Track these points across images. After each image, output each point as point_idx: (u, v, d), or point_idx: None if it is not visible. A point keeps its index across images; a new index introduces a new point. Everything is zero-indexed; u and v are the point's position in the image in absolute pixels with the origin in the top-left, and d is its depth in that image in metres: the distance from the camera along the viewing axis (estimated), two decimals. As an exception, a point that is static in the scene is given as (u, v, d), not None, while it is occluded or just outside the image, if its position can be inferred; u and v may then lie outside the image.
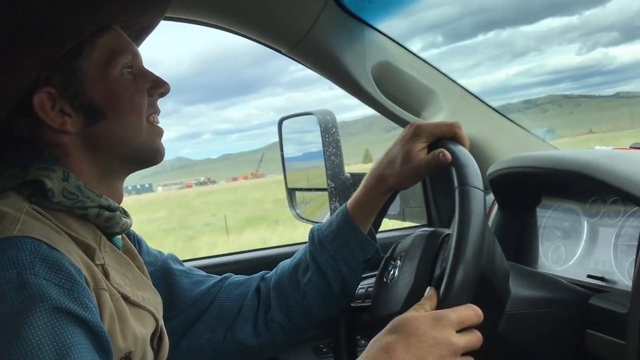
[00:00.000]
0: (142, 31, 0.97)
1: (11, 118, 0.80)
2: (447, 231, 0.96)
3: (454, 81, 1.52)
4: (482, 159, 1.36)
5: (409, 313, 0.79)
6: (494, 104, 1.54)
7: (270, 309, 1.10)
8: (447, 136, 0.99)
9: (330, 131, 1.60)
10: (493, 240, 0.92)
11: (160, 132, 0.92)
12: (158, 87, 0.90)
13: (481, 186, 0.86)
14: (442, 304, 0.79)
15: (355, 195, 1.08)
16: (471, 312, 0.79)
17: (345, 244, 1.07)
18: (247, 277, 1.18)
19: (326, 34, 1.39)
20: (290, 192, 1.86)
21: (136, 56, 0.89)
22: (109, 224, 0.85)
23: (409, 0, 1.46)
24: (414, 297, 0.91)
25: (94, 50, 0.83)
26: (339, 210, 1.10)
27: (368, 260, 1.09)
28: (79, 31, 0.80)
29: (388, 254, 1.11)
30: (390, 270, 1.07)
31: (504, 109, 1.59)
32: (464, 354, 0.78)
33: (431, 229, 1.03)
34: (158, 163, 0.92)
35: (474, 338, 0.79)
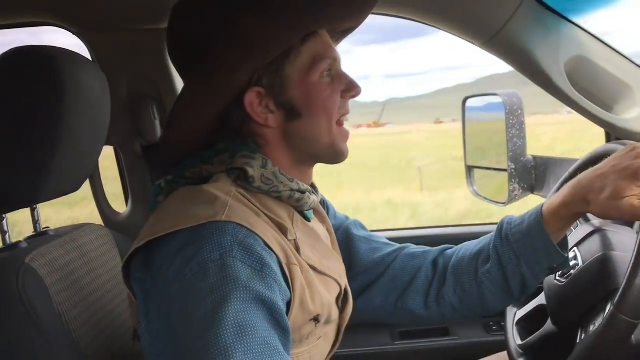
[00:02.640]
0: (344, 33, 1.07)
1: (226, 110, 0.94)
2: (623, 280, 0.91)
3: (653, 75, 1.48)
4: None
5: None
6: None
7: (444, 286, 1.15)
8: None
9: (515, 113, 1.64)
10: None
11: (346, 135, 1.00)
12: (351, 90, 0.99)
13: None
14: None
15: (552, 202, 1.04)
16: None
17: (532, 247, 1.04)
18: (425, 249, 1.23)
19: (521, 28, 1.41)
20: (469, 169, 1.92)
21: (335, 60, 0.98)
22: (299, 204, 0.98)
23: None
24: (566, 313, 1.04)
25: (299, 56, 0.94)
26: (533, 211, 1.07)
27: (554, 269, 1.08)
28: (290, 40, 0.91)
29: (574, 244, 1.15)
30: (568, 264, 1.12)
31: None
32: None
33: (617, 255, 1.04)
34: (339, 163, 1.01)
35: None
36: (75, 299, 1.08)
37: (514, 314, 1.29)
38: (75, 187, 1.18)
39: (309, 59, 0.94)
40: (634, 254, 0.87)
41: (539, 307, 1.22)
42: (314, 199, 1.02)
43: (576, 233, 1.20)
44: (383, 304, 1.19)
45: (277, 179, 0.95)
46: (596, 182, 0.96)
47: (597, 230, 1.15)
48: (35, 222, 1.22)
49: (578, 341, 0.99)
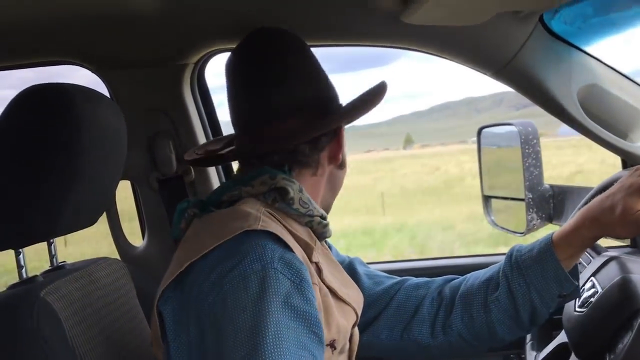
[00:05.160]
0: None
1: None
2: None
3: (667, 103, 1.47)
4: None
5: None
6: None
7: (451, 314, 1.15)
8: None
9: (530, 142, 1.63)
10: None
11: None
12: None
13: None
14: None
15: (564, 229, 1.06)
16: None
17: (543, 275, 1.05)
18: (428, 279, 1.24)
19: (532, 58, 1.42)
20: (486, 199, 1.91)
21: None
22: (324, 230, 1.02)
23: (625, 24, 1.43)
24: (589, 342, 1.02)
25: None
26: (544, 238, 1.08)
27: (565, 297, 1.07)
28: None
29: (590, 274, 1.14)
30: (585, 294, 1.11)
31: None
32: None
33: (637, 277, 1.03)
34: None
35: None
36: (90, 333, 1.08)
37: (534, 357, 1.27)
38: (92, 221, 1.19)
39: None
40: None
41: (560, 345, 1.21)
42: (331, 229, 1.05)
43: (591, 266, 1.20)
44: (389, 337, 1.19)
45: (312, 203, 1.00)
46: (605, 202, 1.00)
47: (612, 258, 1.16)
48: (52, 256, 1.23)
49: None
